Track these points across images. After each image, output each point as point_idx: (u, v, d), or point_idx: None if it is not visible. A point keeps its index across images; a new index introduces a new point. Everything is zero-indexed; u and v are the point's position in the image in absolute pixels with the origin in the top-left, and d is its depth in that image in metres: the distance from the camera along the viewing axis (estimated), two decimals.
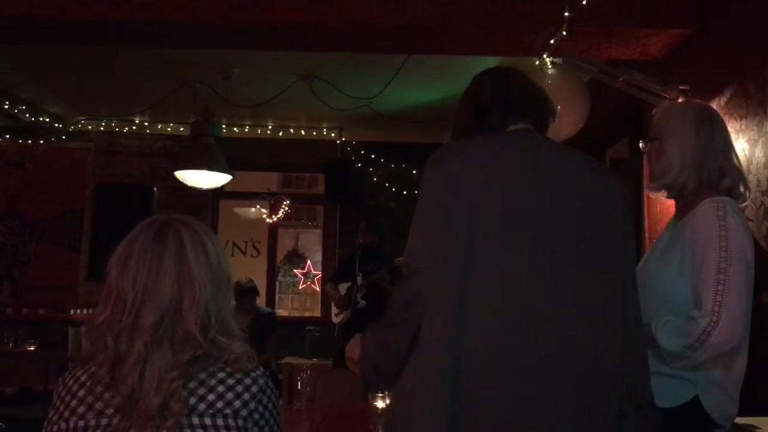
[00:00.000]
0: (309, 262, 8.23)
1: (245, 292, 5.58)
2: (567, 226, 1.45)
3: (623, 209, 1.55)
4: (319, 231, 7.82)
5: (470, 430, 1.35)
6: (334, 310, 5.80)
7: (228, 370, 1.32)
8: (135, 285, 1.31)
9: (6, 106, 6.07)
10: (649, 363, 1.56)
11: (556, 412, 1.37)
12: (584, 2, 3.00)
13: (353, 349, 1.64)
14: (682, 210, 1.99)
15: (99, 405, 1.27)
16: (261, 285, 7.08)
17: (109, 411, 1.26)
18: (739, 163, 2.01)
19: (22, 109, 6.28)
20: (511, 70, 1.72)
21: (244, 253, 8.16)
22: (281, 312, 7.59)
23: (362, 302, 5.44)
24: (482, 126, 1.62)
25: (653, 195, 2.14)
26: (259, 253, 8.06)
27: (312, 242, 8.30)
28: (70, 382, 1.32)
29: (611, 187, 1.55)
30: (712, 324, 1.71)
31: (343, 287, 5.69)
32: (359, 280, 5.50)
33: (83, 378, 1.31)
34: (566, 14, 3.04)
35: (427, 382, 1.38)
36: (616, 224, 1.51)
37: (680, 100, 2.81)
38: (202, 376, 1.29)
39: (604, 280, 1.46)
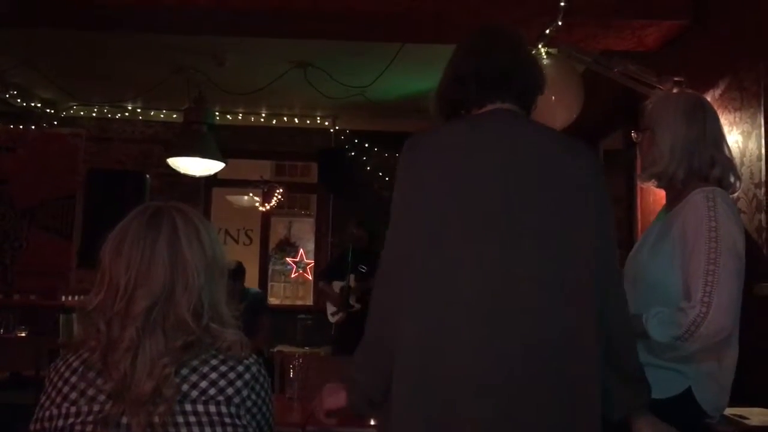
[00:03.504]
0: (301, 250, 8.22)
1: (232, 275, 5.55)
2: (536, 212, 1.43)
3: (596, 187, 1.51)
4: (311, 219, 7.81)
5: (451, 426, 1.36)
6: (329, 309, 5.72)
7: (221, 357, 1.31)
8: (128, 270, 1.30)
9: None
10: (633, 339, 1.60)
11: (539, 405, 1.36)
12: None
13: (331, 396, 1.63)
14: (673, 200, 1.99)
15: (91, 391, 1.26)
16: (253, 273, 7.08)
17: (101, 397, 1.25)
18: (731, 154, 2.01)
19: (13, 94, 6.23)
20: (499, 36, 1.64)
21: (237, 241, 8.15)
22: (273, 300, 7.59)
23: (357, 306, 5.35)
24: (458, 100, 1.61)
25: (644, 184, 2.14)
26: (251, 241, 8.05)
27: (305, 231, 8.30)
28: (62, 368, 1.31)
29: (583, 165, 1.50)
30: (702, 315, 1.71)
31: (336, 285, 5.62)
32: (352, 280, 5.41)
33: (75, 364, 1.30)
34: (562, 4, 3.03)
35: (402, 389, 1.40)
36: (587, 202, 1.47)
37: (675, 91, 2.81)
38: (195, 362, 1.29)
39: (578, 263, 1.43)
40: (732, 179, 1.96)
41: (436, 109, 1.69)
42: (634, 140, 2.13)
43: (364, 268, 5.38)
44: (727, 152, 1.98)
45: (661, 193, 2.15)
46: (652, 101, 2.09)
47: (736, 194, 2.10)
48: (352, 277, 5.38)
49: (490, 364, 1.36)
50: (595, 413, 1.40)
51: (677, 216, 1.89)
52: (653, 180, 2.02)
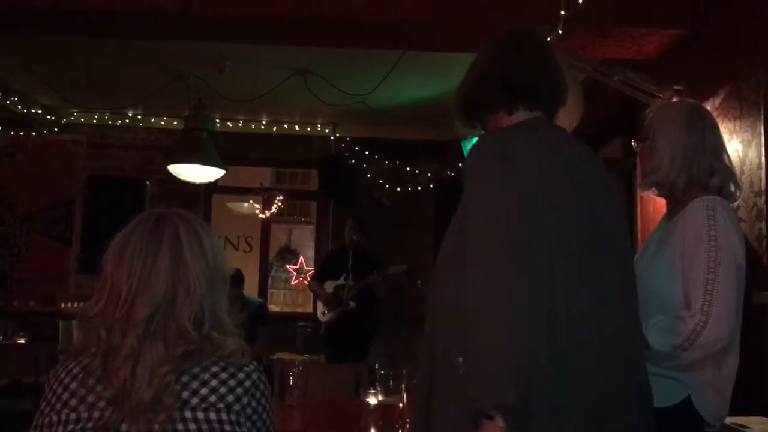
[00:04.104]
0: (301, 257, 8.22)
1: (232, 282, 5.55)
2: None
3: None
4: (311, 227, 7.81)
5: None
6: (320, 308, 5.79)
7: (221, 364, 1.31)
8: (130, 277, 1.30)
9: None
10: None
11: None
12: (580, 1, 3.00)
13: None
14: (673, 209, 1.99)
15: (91, 398, 1.26)
16: (253, 280, 7.07)
17: (101, 404, 1.25)
18: (731, 163, 2.01)
19: (14, 101, 6.23)
20: (532, 43, 1.65)
21: (236, 248, 8.13)
22: (273, 307, 7.58)
23: (353, 304, 5.42)
24: (484, 104, 1.60)
25: (644, 193, 2.14)
26: (251, 248, 8.04)
27: (305, 238, 8.29)
28: (62, 374, 1.31)
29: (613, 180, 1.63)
30: (701, 324, 1.71)
31: (329, 285, 5.67)
32: (349, 280, 5.48)
33: (75, 370, 1.30)
34: (562, 13, 3.03)
35: None
36: (622, 213, 1.61)
37: (675, 99, 2.82)
38: (196, 370, 1.29)
39: (632, 270, 1.55)
40: (732, 188, 1.97)
41: (457, 110, 1.66)
42: (635, 149, 2.13)
43: (360, 269, 5.47)
44: (726, 161, 1.98)
45: (661, 202, 2.16)
46: (652, 110, 2.10)
47: (736, 203, 2.11)
48: (349, 276, 5.45)
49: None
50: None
51: (677, 225, 1.89)
52: (653, 188, 2.03)
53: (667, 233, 1.93)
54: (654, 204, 3.54)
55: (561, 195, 1.39)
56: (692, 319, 1.73)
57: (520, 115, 1.57)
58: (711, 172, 1.93)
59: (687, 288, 1.79)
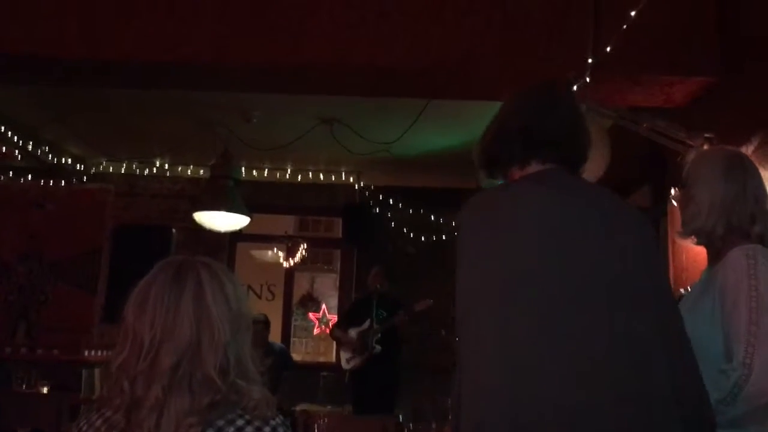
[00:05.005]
0: (324, 306, 8.16)
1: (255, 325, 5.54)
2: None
3: (655, 245, 1.55)
4: (334, 275, 7.78)
5: None
6: (344, 355, 5.76)
7: (247, 417, 1.28)
8: (153, 326, 1.28)
9: (29, 147, 6.15)
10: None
11: None
12: (608, 49, 3.00)
13: None
14: (713, 258, 1.95)
15: None
16: (276, 329, 7.02)
17: None
18: None
19: (44, 150, 6.36)
20: (552, 99, 1.64)
21: (260, 297, 8.10)
22: (295, 356, 7.51)
23: (378, 347, 5.41)
24: (501, 157, 1.60)
25: (682, 241, 2.10)
26: (274, 296, 8.01)
27: (327, 286, 8.25)
28: (84, 427, 1.29)
29: (640, 225, 1.52)
30: (744, 376, 1.67)
31: (352, 332, 5.66)
32: (374, 325, 5.48)
33: (98, 423, 1.28)
34: (590, 60, 3.03)
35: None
36: (651, 262, 1.49)
37: (706, 147, 2.78)
38: (221, 423, 1.25)
39: (645, 328, 1.40)
40: None
41: (478, 162, 1.68)
42: (673, 197, 2.10)
43: (383, 314, 5.57)
44: None
45: (695, 251, 2.11)
46: (691, 157, 2.08)
47: None
48: (373, 321, 5.48)
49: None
50: None
51: (717, 274, 1.85)
52: (692, 237, 1.98)
53: (707, 283, 1.89)
54: (687, 253, 3.47)
55: (532, 253, 1.40)
56: (734, 373, 1.68)
57: (532, 168, 1.56)
58: (752, 220, 1.90)
59: (728, 339, 1.74)
